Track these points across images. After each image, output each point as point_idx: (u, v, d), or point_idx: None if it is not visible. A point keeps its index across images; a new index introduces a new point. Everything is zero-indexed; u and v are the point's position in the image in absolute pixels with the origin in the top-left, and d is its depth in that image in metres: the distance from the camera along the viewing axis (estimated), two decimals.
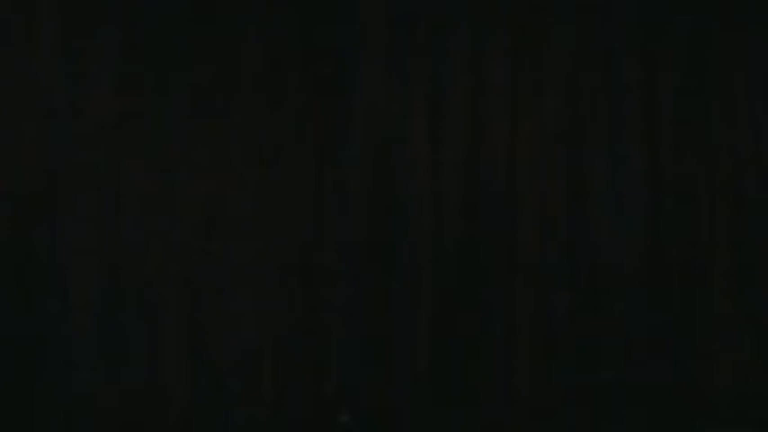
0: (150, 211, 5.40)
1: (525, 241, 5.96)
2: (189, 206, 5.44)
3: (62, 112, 5.39)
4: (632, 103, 6.12)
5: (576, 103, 6.07)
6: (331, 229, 5.62)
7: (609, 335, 5.98)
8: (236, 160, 5.48)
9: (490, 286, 5.89)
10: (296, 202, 5.63)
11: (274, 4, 5.27)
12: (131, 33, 5.34)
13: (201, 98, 5.50)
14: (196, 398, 5.34)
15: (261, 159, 5.54)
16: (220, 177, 5.51)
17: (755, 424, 5.76)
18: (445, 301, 5.85)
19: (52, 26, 5.31)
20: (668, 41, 6.14)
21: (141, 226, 5.40)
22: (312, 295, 5.57)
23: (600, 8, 6.11)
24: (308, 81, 5.14)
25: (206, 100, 5.50)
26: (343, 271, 5.56)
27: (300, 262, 5.56)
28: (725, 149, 6.17)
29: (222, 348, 5.38)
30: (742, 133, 6.19)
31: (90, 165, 5.37)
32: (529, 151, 5.98)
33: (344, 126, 5.20)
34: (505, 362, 5.86)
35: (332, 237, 5.63)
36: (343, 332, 5.67)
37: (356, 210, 5.65)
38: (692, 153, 6.15)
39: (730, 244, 6.11)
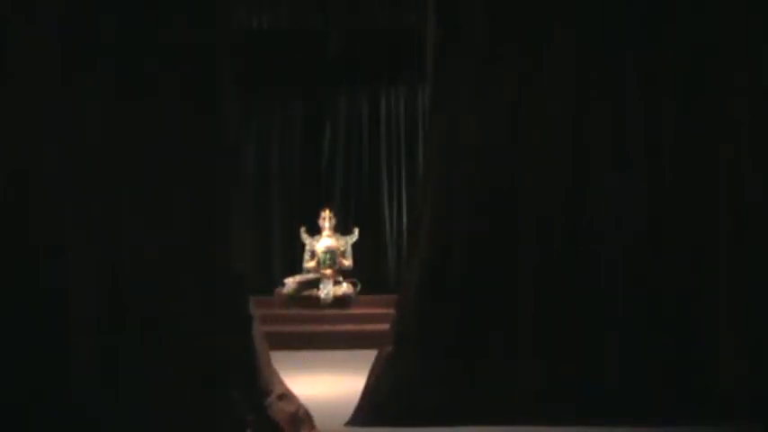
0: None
1: (527, 239, 6.00)
2: None
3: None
4: (635, 105, 6.16)
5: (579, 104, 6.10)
6: None
7: (609, 332, 6.01)
8: None
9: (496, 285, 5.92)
10: None
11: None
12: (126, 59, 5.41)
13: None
14: None
15: None
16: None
17: (756, 423, 5.76)
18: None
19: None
20: (669, 42, 6.17)
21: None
22: None
23: (602, 10, 6.14)
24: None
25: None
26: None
27: None
28: (726, 150, 6.18)
29: None
30: (743, 131, 6.20)
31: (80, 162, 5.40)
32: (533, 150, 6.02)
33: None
34: (507, 357, 5.90)
35: None
36: None
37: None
38: (693, 156, 6.17)
39: (733, 241, 6.13)
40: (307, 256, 10.96)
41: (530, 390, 5.81)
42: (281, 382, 5.62)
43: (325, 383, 7.50)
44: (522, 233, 5.98)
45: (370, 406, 5.82)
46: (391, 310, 10.28)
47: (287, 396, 5.56)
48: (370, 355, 9.13)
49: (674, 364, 5.98)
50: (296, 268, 11.04)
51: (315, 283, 10.61)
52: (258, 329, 5.58)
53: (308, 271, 10.82)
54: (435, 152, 6.13)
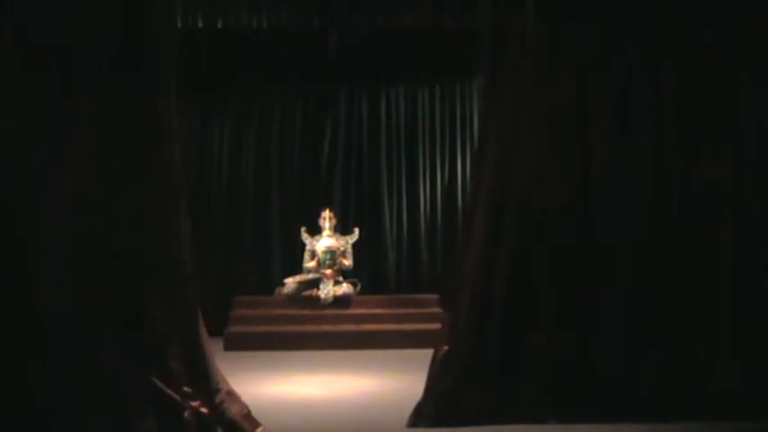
0: None
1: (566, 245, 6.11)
2: None
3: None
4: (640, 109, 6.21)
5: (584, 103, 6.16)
6: None
7: (609, 326, 6.05)
8: None
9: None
10: None
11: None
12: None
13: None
14: None
15: None
16: None
17: (755, 422, 5.77)
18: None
19: None
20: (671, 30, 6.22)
21: None
22: None
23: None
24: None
25: None
26: None
27: None
28: (727, 149, 6.21)
29: None
30: (746, 129, 6.24)
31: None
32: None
33: None
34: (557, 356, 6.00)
35: None
36: None
37: None
38: (694, 157, 6.20)
39: (734, 238, 6.16)
40: (307, 256, 10.95)
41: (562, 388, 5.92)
42: (226, 381, 5.73)
43: (325, 383, 7.51)
44: (563, 239, 6.09)
45: (430, 406, 5.87)
46: (391, 311, 10.43)
47: (233, 394, 5.71)
48: (369, 355, 9.20)
49: (673, 363, 6.00)
50: (296, 268, 11.04)
51: (315, 283, 10.61)
52: (204, 330, 5.68)
53: (309, 271, 10.82)
54: (488, 163, 6.19)
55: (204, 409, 5.38)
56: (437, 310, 10.49)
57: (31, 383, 5.25)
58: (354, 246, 11.07)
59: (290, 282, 10.65)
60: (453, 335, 5.99)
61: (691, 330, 6.08)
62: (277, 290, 10.84)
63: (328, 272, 10.64)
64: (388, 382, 7.61)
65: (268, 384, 7.46)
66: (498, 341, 5.94)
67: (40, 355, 5.28)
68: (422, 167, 12.01)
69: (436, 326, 10.03)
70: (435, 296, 10.80)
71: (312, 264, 10.82)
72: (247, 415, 5.62)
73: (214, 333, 9.82)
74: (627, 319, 6.05)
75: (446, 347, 5.97)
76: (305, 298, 10.51)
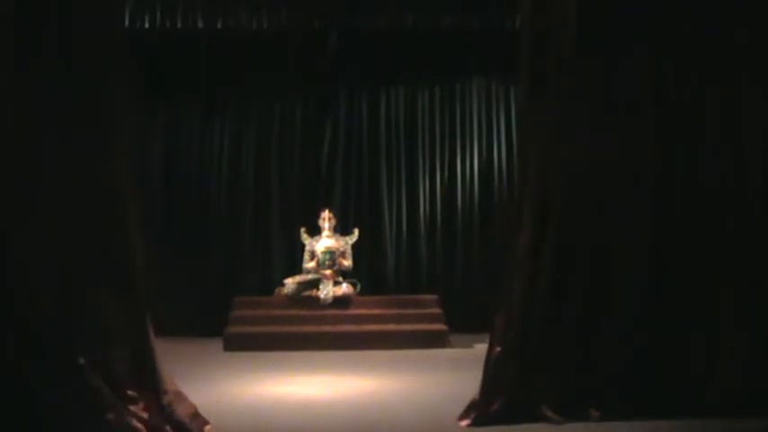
0: None
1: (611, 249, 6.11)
2: None
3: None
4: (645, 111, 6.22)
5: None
6: None
7: (611, 323, 6.06)
8: None
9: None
10: None
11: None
12: None
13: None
14: None
15: None
16: None
17: (756, 421, 5.77)
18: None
19: None
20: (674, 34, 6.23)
21: None
22: None
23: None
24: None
25: None
26: None
27: None
28: (727, 149, 6.22)
29: None
30: (746, 129, 6.24)
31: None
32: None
33: None
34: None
35: None
36: None
37: None
38: (694, 157, 6.21)
39: (734, 237, 6.16)
40: (307, 256, 10.94)
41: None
42: (173, 381, 5.74)
43: (325, 383, 7.51)
44: (607, 243, 6.12)
45: (489, 405, 5.89)
46: (391, 311, 10.43)
47: (181, 394, 5.72)
48: (369, 356, 9.20)
49: (673, 363, 6.01)
50: (296, 268, 11.04)
51: (315, 284, 10.60)
52: (151, 329, 5.69)
53: (308, 271, 10.81)
54: (531, 165, 6.22)
55: (147, 413, 5.36)
56: (437, 310, 10.50)
57: (31, 384, 5.25)
58: (354, 246, 11.06)
59: (290, 282, 10.64)
60: (504, 336, 6.02)
61: (691, 330, 6.08)
62: (277, 290, 10.84)
63: (328, 272, 10.64)
64: (389, 382, 7.61)
65: (268, 385, 7.46)
66: (545, 341, 5.99)
67: (32, 357, 5.28)
68: (422, 167, 12.01)
69: (436, 326, 10.15)
70: (435, 296, 10.79)
71: (312, 264, 10.81)
72: (195, 414, 5.64)
73: (214, 333, 9.98)
74: (627, 319, 6.05)
75: (498, 349, 5.99)
76: (305, 298, 10.50)
